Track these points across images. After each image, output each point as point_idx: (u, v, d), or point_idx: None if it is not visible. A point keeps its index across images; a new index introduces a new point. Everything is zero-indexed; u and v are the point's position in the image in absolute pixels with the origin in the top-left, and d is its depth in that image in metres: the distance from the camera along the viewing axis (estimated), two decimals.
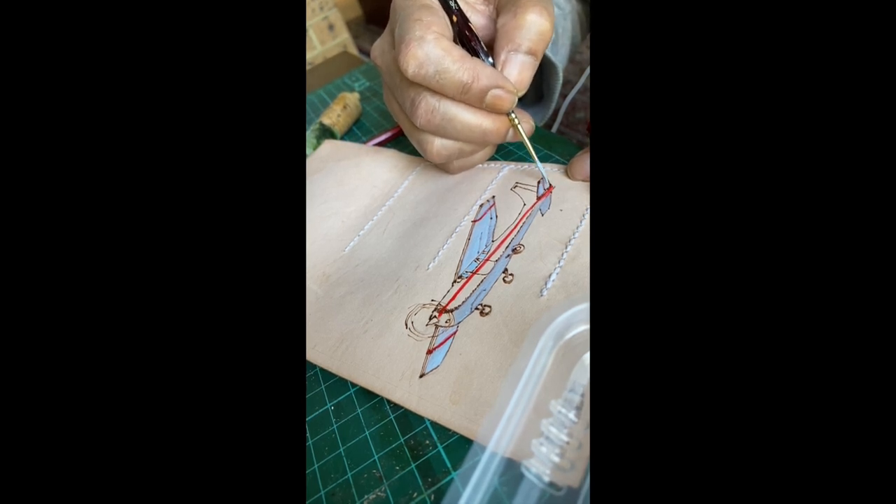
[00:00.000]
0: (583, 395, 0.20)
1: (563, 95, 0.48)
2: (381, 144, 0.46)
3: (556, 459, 0.19)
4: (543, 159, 0.35)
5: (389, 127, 0.48)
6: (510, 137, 0.32)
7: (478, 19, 0.32)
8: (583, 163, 0.31)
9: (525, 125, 0.32)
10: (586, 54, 0.52)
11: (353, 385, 0.28)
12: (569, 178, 0.32)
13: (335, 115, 0.50)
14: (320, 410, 0.27)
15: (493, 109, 0.30)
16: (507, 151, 0.38)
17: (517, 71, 0.30)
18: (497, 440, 0.19)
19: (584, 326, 0.21)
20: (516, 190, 0.33)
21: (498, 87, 0.29)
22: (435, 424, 0.24)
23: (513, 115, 0.31)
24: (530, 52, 0.30)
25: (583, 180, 0.32)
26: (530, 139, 0.32)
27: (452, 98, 0.30)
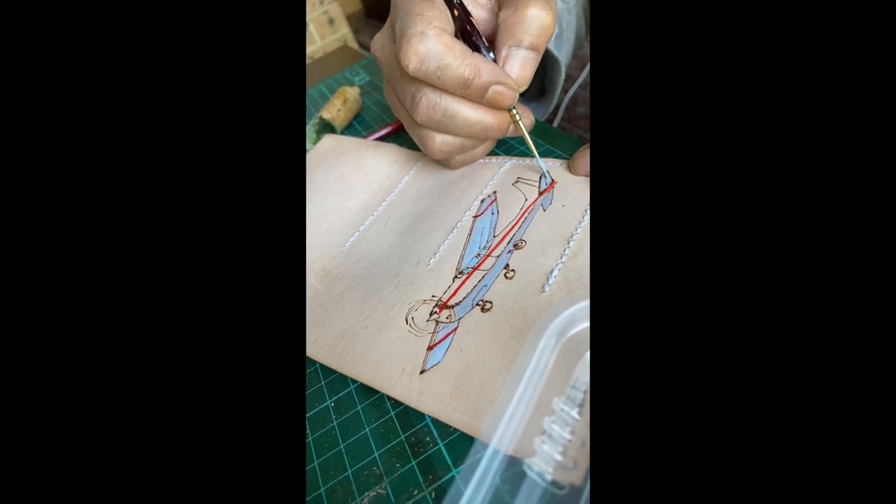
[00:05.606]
0: (586, 393, 0.20)
1: (565, 91, 0.48)
2: (381, 139, 0.46)
3: (559, 457, 0.19)
4: (545, 154, 0.35)
5: (390, 121, 0.48)
6: (511, 132, 0.32)
7: (479, 13, 0.32)
8: (586, 158, 0.31)
9: (525, 120, 0.32)
10: (588, 49, 0.51)
11: (354, 381, 0.28)
12: (571, 173, 0.32)
13: (335, 109, 0.49)
14: (320, 407, 0.27)
15: (494, 105, 0.30)
16: (509, 146, 0.38)
17: (518, 66, 0.30)
18: (499, 438, 0.19)
19: (587, 323, 0.21)
20: (518, 185, 0.33)
21: (499, 83, 0.29)
22: (436, 421, 0.24)
23: (513, 111, 0.31)
24: (532, 48, 0.30)
25: (586, 175, 0.31)
26: (530, 134, 0.32)
27: (453, 94, 0.29)
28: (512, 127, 0.32)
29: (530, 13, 0.29)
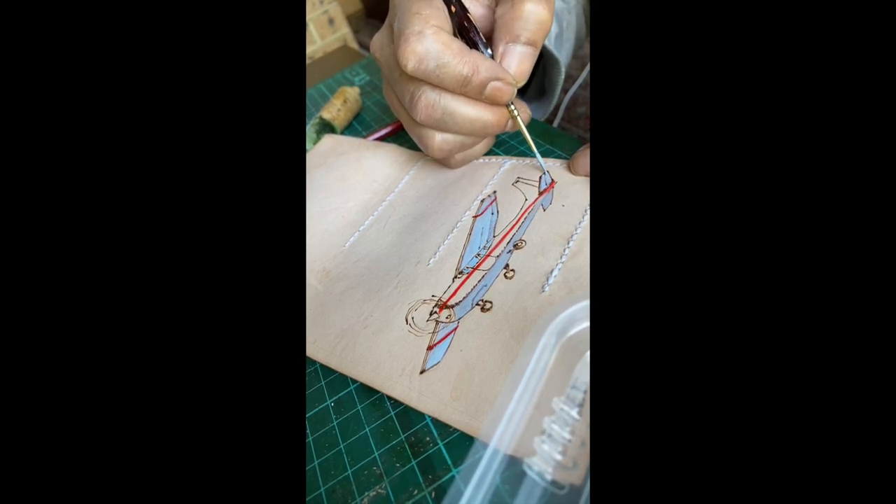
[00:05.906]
0: (585, 393, 0.20)
1: (565, 91, 0.48)
2: (381, 139, 0.46)
3: (559, 457, 0.19)
4: (545, 154, 0.35)
5: (390, 121, 0.48)
6: (509, 127, 0.33)
7: (476, 9, 0.32)
8: (586, 158, 0.31)
9: (522, 114, 0.32)
10: (588, 49, 0.51)
11: (354, 381, 0.28)
12: (571, 173, 0.32)
13: (335, 109, 0.49)
14: (320, 407, 0.27)
15: (492, 101, 0.30)
16: (509, 146, 0.38)
17: (516, 62, 0.30)
18: (499, 437, 0.19)
19: (587, 323, 0.21)
20: (518, 185, 0.33)
21: (497, 78, 0.29)
22: (436, 421, 0.24)
23: (511, 107, 0.31)
24: (529, 43, 0.30)
25: (586, 175, 0.31)
26: (529, 132, 0.32)
27: (453, 91, 0.29)
28: (510, 122, 0.32)
29: (527, 8, 0.29)
